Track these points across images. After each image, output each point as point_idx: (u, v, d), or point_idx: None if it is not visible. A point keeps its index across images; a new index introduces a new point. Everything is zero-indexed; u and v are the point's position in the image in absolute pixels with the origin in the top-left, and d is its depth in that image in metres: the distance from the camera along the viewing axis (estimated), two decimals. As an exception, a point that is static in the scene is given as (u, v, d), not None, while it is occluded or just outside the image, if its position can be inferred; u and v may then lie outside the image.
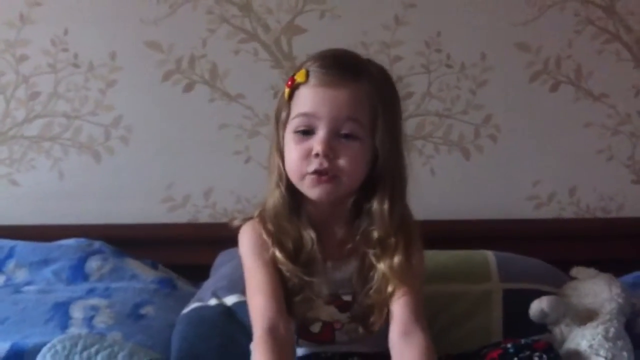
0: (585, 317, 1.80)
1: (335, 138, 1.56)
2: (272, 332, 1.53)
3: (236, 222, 1.68)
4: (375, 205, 1.60)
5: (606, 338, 1.70)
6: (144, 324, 1.91)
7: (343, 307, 1.63)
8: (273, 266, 1.59)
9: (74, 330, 1.85)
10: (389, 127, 1.59)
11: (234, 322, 1.84)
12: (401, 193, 1.63)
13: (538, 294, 1.87)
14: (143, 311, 1.95)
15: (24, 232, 2.25)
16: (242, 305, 1.75)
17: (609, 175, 2.40)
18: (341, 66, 1.57)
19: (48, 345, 1.64)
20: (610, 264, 2.00)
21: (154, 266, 2.18)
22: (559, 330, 1.81)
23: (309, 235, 1.60)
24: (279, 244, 1.60)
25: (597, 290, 1.86)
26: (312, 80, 1.57)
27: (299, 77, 1.58)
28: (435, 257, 1.90)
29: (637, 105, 2.40)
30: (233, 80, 2.36)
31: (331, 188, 1.57)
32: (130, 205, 2.36)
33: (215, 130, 2.36)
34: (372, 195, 1.61)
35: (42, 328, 1.85)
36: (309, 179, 1.57)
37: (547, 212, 2.40)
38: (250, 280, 1.62)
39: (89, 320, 1.89)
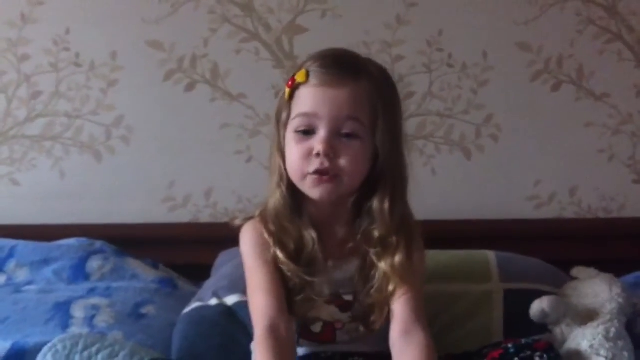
0: (586, 317, 1.80)
1: (336, 138, 1.56)
2: (273, 332, 1.53)
3: (237, 222, 1.69)
4: (376, 204, 1.61)
5: (607, 338, 1.70)
6: (144, 323, 1.91)
7: (344, 306, 1.63)
8: (274, 266, 1.60)
9: (74, 329, 1.85)
10: (389, 127, 1.59)
11: (235, 322, 1.84)
12: (402, 192, 1.63)
13: (539, 294, 1.87)
14: (144, 311, 1.95)
15: (25, 231, 2.25)
16: (243, 305, 1.75)
17: (610, 175, 2.40)
18: (341, 66, 1.58)
19: (49, 344, 1.64)
20: (611, 264, 2.00)
21: (155, 266, 2.18)
22: (559, 330, 1.81)
23: (310, 235, 1.60)
24: (280, 244, 1.60)
25: (598, 290, 1.86)
26: (313, 80, 1.57)
27: (299, 77, 1.58)
28: (436, 257, 1.90)
29: (638, 105, 2.39)
30: (234, 80, 2.36)
31: (332, 188, 1.57)
32: (131, 205, 2.36)
33: (216, 130, 2.36)
34: (372, 194, 1.61)
35: (43, 327, 1.85)
36: (310, 178, 1.57)
37: (548, 212, 2.40)
38: (251, 279, 1.62)
39: (89, 320, 1.89)
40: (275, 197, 1.63)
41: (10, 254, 2.12)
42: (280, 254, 1.59)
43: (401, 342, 1.55)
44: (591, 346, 1.69)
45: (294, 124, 1.58)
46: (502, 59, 2.36)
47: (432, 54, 2.36)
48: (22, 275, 2.08)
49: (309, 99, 1.57)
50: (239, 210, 2.35)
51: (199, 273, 2.13)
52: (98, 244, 2.17)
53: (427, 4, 2.35)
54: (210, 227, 2.35)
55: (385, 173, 1.60)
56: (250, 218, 1.68)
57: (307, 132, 1.57)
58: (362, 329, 1.62)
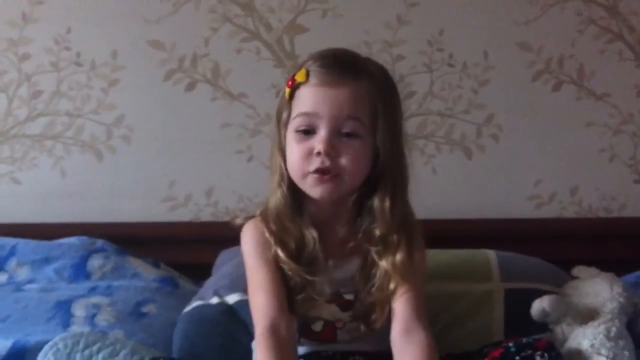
0: (587, 316, 1.80)
1: (336, 137, 1.56)
2: (274, 331, 1.53)
3: (238, 221, 1.69)
4: (376, 203, 1.61)
5: (608, 337, 1.70)
6: (145, 322, 1.91)
7: (345, 306, 1.63)
8: (275, 265, 1.60)
9: (75, 328, 1.85)
10: (389, 126, 1.59)
11: (236, 321, 1.85)
12: (402, 191, 1.63)
13: (539, 293, 1.87)
14: (145, 309, 1.95)
15: (25, 230, 2.26)
16: (244, 304, 1.75)
17: (610, 174, 2.40)
18: (341, 65, 1.58)
19: (50, 343, 1.65)
20: (612, 264, 2.00)
21: (156, 265, 2.18)
22: (560, 329, 1.81)
23: (311, 234, 1.61)
24: (281, 243, 1.60)
25: (599, 289, 1.86)
26: (313, 79, 1.57)
27: (299, 77, 1.58)
28: (437, 257, 1.90)
29: (639, 104, 2.39)
30: (235, 80, 2.36)
31: (333, 187, 1.57)
32: (132, 204, 2.36)
33: (217, 129, 2.36)
34: (373, 193, 1.61)
35: (44, 326, 1.85)
36: (311, 178, 1.57)
37: (549, 212, 2.40)
38: (252, 278, 1.62)
39: (90, 319, 1.89)
40: (276, 197, 1.63)
41: (11, 253, 2.13)
42: (281, 253, 1.59)
43: (402, 341, 1.55)
44: (592, 345, 1.69)
45: (295, 123, 1.58)
46: (502, 58, 2.36)
47: (433, 54, 2.36)
48: (23, 273, 2.09)
49: (309, 98, 1.57)
50: (239, 209, 2.35)
51: (200, 272, 2.13)
52: (99, 242, 2.17)
53: (427, 3, 2.35)
54: (211, 226, 2.35)
55: (385, 172, 1.60)
56: (251, 217, 1.68)
57: (308, 132, 1.57)
58: (362, 328, 1.62)
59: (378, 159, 1.60)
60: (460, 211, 2.34)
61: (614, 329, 1.72)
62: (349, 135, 1.56)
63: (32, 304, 1.94)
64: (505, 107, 2.38)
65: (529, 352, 1.56)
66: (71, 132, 2.36)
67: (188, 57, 2.35)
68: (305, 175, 1.58)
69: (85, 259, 2.11)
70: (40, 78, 2.35)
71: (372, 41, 2.33)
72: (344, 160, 1.56)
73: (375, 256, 1.60)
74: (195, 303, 1.92)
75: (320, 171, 1.56)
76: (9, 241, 2.16)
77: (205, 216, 2.38)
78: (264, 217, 1.64)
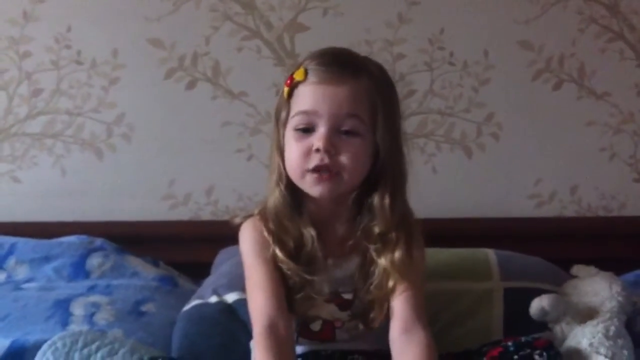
0: (586, 315, 1.80)
1: (336, 135, 1.56)
2: (272, 330, 1.53)
3: (237, 220, 1.69)
4: (376, 200, 1.60)
5: (607, 336, 1.70)
6: (144, 321, 1.91)
7: (343, 305, 1.63)
8: (273, 264, 1.60)
9: (74, 327, 1.85)
10: (389, 124, 1.59)
11: (235, 320, 1.85)
12: (402, 189, 1.63)
13: (539, 292, 1.87)
14: (144, 308, 1.95)
15: (25, 229, 2.26)
16: (243, 303, 1.75)
17: (611, 173, 2.40)
18: (340, 63, 1.58)
19: (49, 342, 1.65)
20: (611, 263, 2.01)
21: (155, 263, 2.18)
22: (559, 328, 1.81)
23: (310, 233, 1.60)
24: (280, 242, 1.60)
25: (598, 288, 1.86)
26: (311, 78, 1.57)
27: (298, 75, 1.58)
28: (436, 255, 1.90)
29: (639, 104, 2.39)
30: (236, 78, 2.36)
31: (333, 185, 1.57)
32: (132, 203, 2.36)
33: (217, 128, 2.36)
34: (372, 191, 1.61)
35: (42, 325, 1.85)
36: (310, 176, 1.57)
37: (549, 211, 2.40)
38: (251, 277, 1.62)
39: (89, 317, 1.89)
40: (274, 196, 1.63)
41: (11, 251, 2.13)
42: (279, 252, 1.59)
43: (401, 341, 1.55)
44: (591, 344, 1.69)
45: (294, 122, 1.58)
46: (503, 57, 2.36)
47: (434, 52, 2.36)
48: (22, 272, 2.09)
49: (308, 96, 1.57)
50: (239, 208, 2.35)
51: (199, 271, 2.13)
52: (98, 241, 2.17)
53: (428, 2, 2.35)
54: (210, 225, 2.35)
55: (385, 170, 1.60)
56: (250, 216, 1.68)
57: (307, 130, 1.57)
58: (361, 326, 1.62)
59: (377, 156, 1.60)
60: (460, 210, 2.34)
61: (612, 328, 1.72)
62: (348, 133, 1.56)
63: (31, 303, 1.94)
64: (506, 106, 2.38)
65: (528, 351, 1.56)
66: (71, 131, 2.36)
67: (188, 55, 2.35)
68: (304, 174, 1.58)
69: (84, 257, 2.11)
70: (40, 76, 2.35)
71: (373, 40, 2.33)
72: (343, 158, 1.56)
73: (374, 254, 1.60)
74: (194, 302, 1.92)
75: (319, 168, 1.55)
76: (8, 240, 2.17)
77: (205, 215, 2.38)
78: (263, 216, 1.64)
